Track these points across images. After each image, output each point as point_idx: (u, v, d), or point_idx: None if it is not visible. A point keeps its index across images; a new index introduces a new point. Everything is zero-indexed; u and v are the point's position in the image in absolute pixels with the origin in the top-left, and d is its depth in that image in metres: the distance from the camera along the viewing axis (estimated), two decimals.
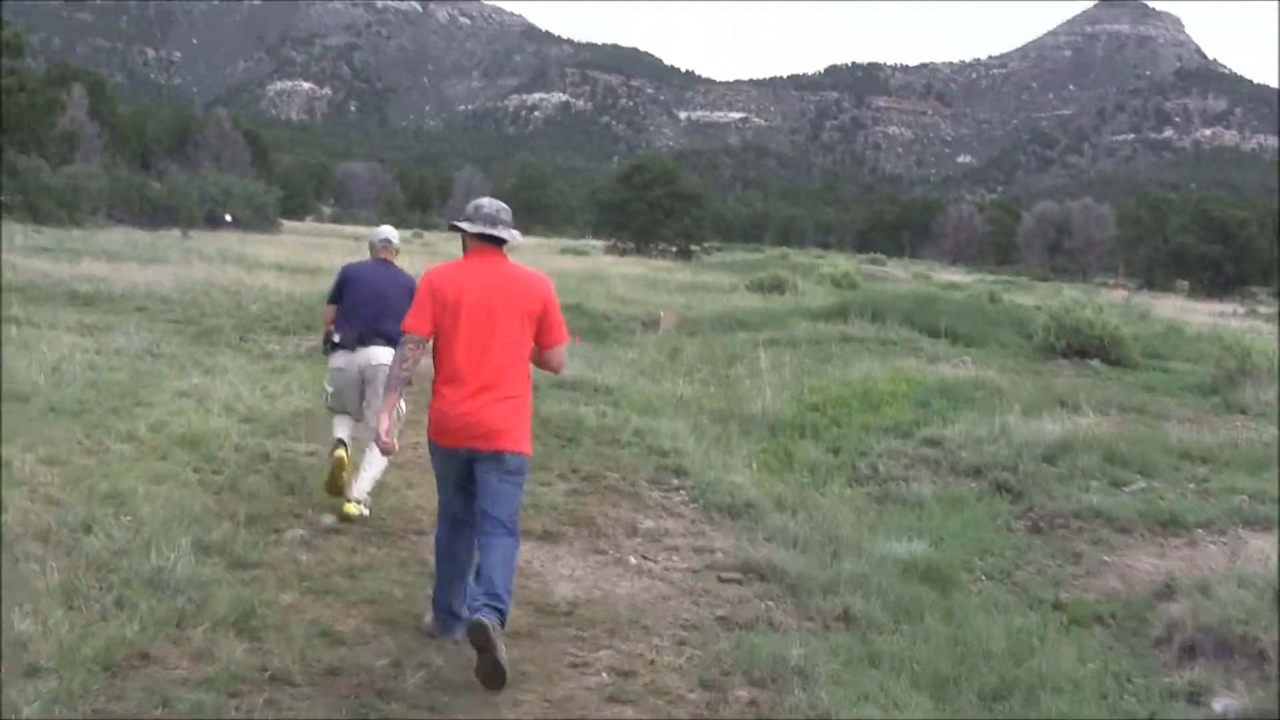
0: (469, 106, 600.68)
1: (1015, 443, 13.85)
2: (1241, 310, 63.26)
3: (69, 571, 6.94)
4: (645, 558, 9.04)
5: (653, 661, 6.81)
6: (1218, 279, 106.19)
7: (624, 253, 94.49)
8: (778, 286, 44.74)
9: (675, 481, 11.49)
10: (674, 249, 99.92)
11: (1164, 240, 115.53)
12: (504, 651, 6.21)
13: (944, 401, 16.96)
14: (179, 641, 6.29)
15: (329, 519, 9.15)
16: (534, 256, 68.87)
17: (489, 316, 6.81)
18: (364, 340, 9.87)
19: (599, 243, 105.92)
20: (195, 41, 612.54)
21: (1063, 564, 10.25)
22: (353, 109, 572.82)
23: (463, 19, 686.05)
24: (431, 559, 7.48)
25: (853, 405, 16.70)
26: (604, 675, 6.57)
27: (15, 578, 6.81)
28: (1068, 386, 20.06)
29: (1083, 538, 10.75)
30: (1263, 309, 68.81)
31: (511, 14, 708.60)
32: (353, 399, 10.04)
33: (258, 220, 72.55)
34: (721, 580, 8.59)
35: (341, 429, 10.02)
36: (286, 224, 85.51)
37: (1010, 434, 14.26)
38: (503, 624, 6.38)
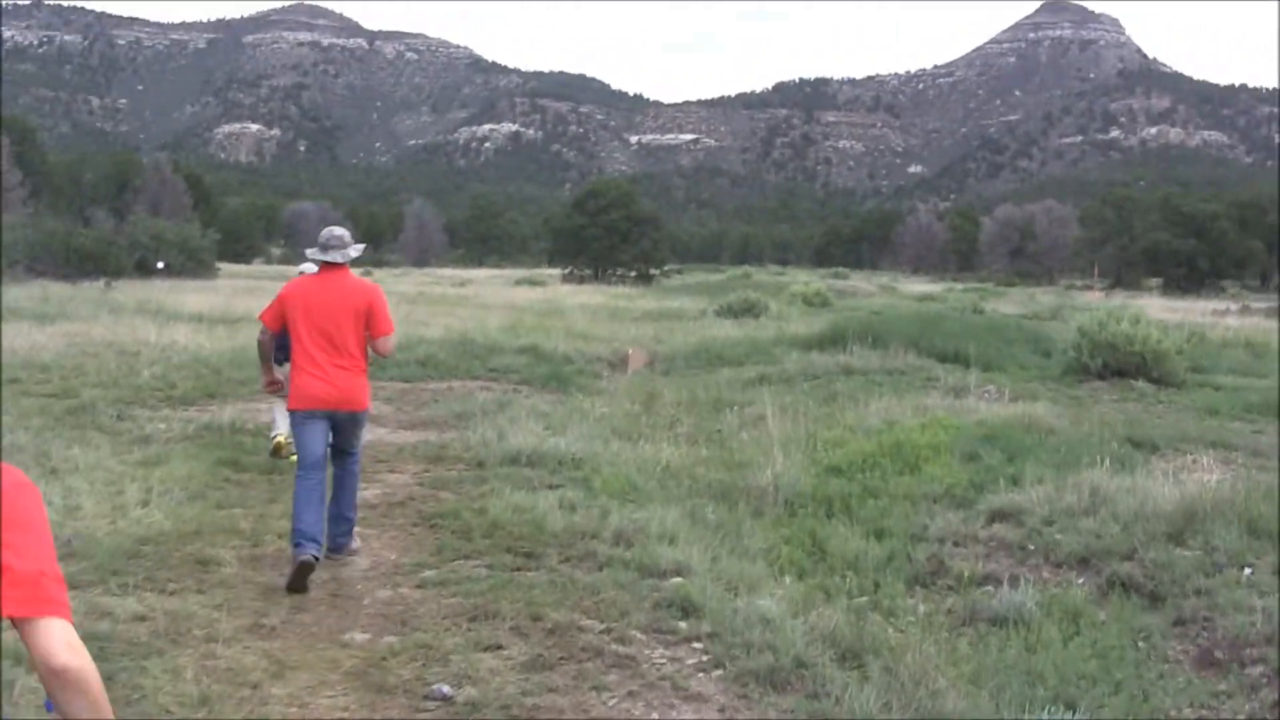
0: (419, 141, 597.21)
1: (1119, 514, 10.37)
2: (1235, 307, 60.03)
3: None
4: None
5: None
6: (1192, 275, 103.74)
7: (582, 280, 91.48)
8: (750, 310, 41.34)
9: (683, 626, 7.77)
10: (633, 274, 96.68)
11: (1131, 239, 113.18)
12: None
13: (996, 453, 13.48)
14: None
15: None
16: (489, 290, 65.33)
17: (326, 314, 9.41)
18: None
19: (555, 271, 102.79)
20: (141, 88, 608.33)
21: None
22: (302, 149, 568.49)
23: (409, 54, 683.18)
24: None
25: (884, 464, 13.17)
26: None
27: None
28: (1123, 417, 16.69)
29: None
30: (1258, 304, 65.88)
31: (458, 46, 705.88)
32: None
33: (193, 266, 68.74)
34: None
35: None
36: (226, 268, 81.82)
37: (1106, 499, 10.79)
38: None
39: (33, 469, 12.15)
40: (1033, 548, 10.14)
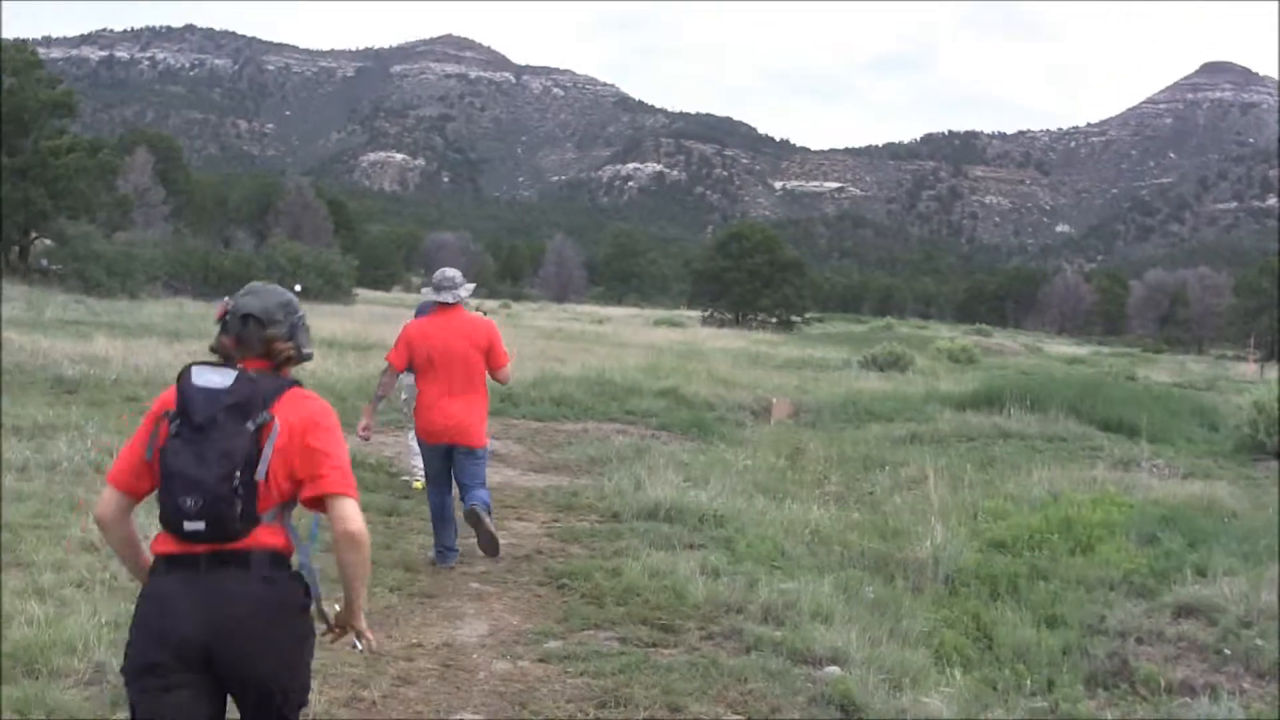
0: (562, 177, 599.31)
1: None
2: None
3: None
4: None
5: None
6: None
7: (721, 324, 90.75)
8: (896, 363, 40.10)
9: None
10: (773, 320, 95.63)
11: None
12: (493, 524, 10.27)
13: (1176, 536, 12.31)
14: None
15: None
16: (628, 329, 64.51)
17: (449, 353, 10.25)
18: None
19: (694, 313, 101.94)
20: (288, 114, 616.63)
21: None
22: (446, 179, 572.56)
23: (556, 90, 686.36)
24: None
25: (1053, 542, 12.07)
26: None
27: None
28: None
29: None
30: None
31: (605, 84, 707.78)
32: None
33: (330, 290, 68.83)
34: None
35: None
36: (364, 294, 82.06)
37: None
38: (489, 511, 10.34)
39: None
40: (1229, 652, 9.02)
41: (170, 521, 4.32)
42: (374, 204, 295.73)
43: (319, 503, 4.47)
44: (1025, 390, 24.76)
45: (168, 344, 27.50)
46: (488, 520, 10.12)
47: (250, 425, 4.35)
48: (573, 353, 37.18)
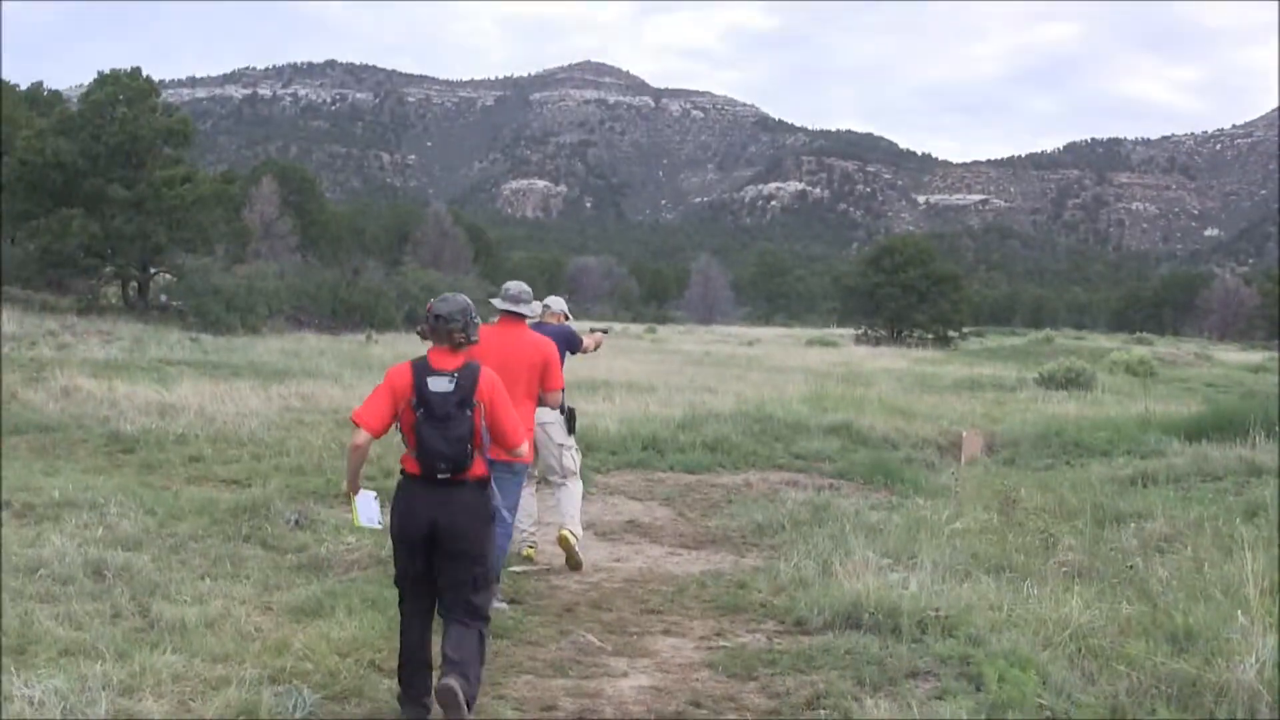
0: (704, 198, 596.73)
1: None
2: None
3: None
4: None
5: None
6: None
7: (876, 342, 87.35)
8: (1076, 380, 36.21)
9: None
10: (930, 336, 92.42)
11: None
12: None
13: None
14: None
15: None
16: (780, 350, 61.53)
17: (504, 366, 9.17)
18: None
19: (845, 331, 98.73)
20: (430, 144, 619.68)
21: None
22: (588, 205, 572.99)
23: (695, 112, 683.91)
24: None
25: None
26: None
27: None
28: None
29: None
30: None
31: (745, 104, 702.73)
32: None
33: None
34: None
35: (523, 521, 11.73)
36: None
37: None
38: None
39: (127, 617, 9.01)
40: None
41: (426, 470, 7.12)
42: (517, 231, 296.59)
43: (508, 449, 7.62)
44: (1253, 412, 20.92)
45: (263, 388, 25.16)
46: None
47: (468, 412, 7.12)
48: (724, 380, 34.29)
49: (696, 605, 10.47)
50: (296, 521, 12.80)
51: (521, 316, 10.44)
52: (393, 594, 8.07)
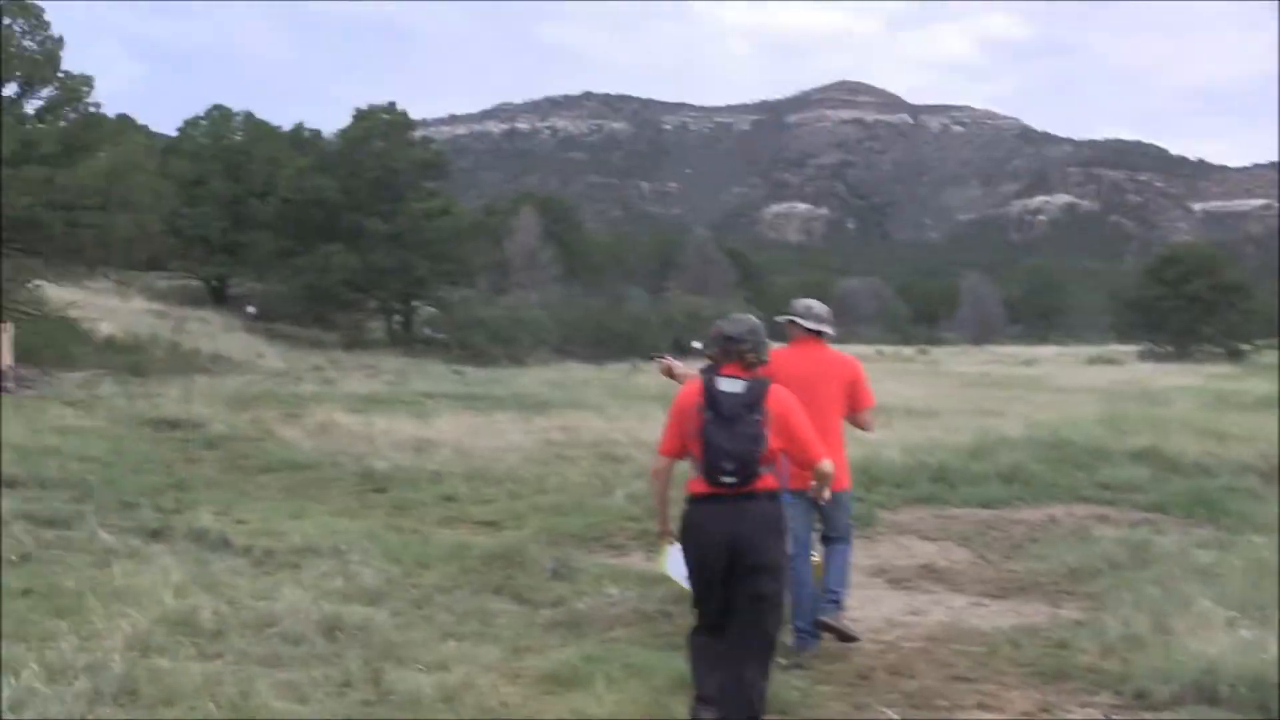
0: (969, 215, 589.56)
1: None
2: None
3: None
4: None
5: None
6: None
7: (1161, 358, 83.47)
8: None
9: None
10: (1220, 350, 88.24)
11: None
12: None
13: None
14: None
15: None
16: (1061, 370, 59.15)
17: (809, 387, 8.80)
18: None
19: (1126, 348, 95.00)
20: (688, 171, 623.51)
21: None
22: (850, 226, 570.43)
23: (955, 127, 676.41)
24: None
25: None
26: None
27: None
28: None
29: None
30: None
31: (1006, 117, 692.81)
32: None
33: None
34: None
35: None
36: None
37: None
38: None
39: (358, 686, 7.96)
40: None
41: (710, 474, 6.87)
42: (781, 255, 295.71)
43: (808, 465, 7.40)
44: None
45: (524, 420, 24.89)
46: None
47: (757, 416, 6.91)
48: (1007, 403, 32.33)
49: (1013, 671, 8.83)
50: (554, 571, 11.79)
51: (825, 335, 9.90)
52: (659, 659, 8.22)
